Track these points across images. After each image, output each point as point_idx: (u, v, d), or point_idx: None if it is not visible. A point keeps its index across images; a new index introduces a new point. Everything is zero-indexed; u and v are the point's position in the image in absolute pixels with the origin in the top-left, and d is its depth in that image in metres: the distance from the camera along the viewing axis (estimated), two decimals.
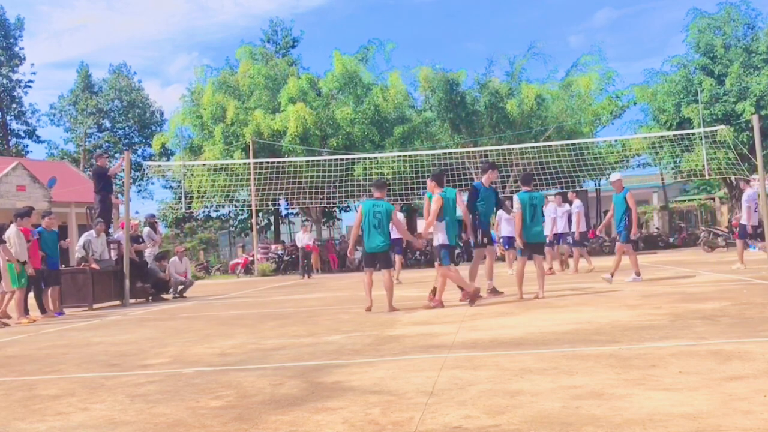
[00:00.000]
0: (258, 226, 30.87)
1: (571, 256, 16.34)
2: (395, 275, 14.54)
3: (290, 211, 39.51)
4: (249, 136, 28.10)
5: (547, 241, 14.39)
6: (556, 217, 15.69)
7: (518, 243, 9.73)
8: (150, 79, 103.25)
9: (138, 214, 23.43)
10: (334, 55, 30.29)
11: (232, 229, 42.21)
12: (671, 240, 30.32)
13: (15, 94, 50.28)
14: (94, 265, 13.01)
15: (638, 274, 11.63)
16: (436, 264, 9.42)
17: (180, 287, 15.56)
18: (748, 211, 13.88)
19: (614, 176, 12.17)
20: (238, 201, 30.85)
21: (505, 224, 15.01)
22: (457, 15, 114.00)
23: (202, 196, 28.98)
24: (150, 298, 14.68)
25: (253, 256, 27.41)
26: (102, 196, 14.74)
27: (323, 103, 29.91)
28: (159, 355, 6.31)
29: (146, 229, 16.20)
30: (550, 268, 14.81)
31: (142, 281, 14.51)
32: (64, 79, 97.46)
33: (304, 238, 23.09)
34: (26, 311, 11.15)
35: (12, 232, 10.87)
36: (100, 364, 5.98)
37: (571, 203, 16.34)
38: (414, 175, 26.16)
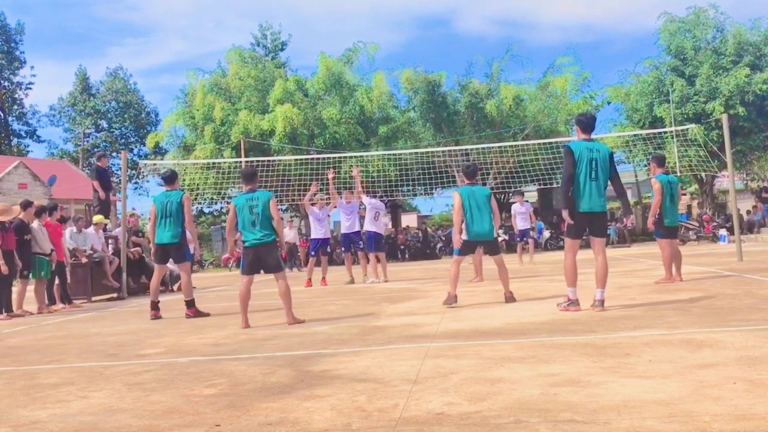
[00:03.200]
0: None
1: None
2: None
3: (280, 207, 39.67)
4: (237, 135, 28.33)
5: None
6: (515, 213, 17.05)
7: (456, 241, 8.47)
8: None
9: (135, 210, 23.59)
10: (320, 58, 30.57)
11: (224, 224, 42.34)
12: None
13: (16, 96, 51.00)
14: (84, 259, 13.21)
15: (669, 279, 9.67)
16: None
17: (178, 282, 15.75)
18: None
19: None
20: (229, 198, 31.03)
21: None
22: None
23: (195, 191, 29.10)
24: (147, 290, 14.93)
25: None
26: (100, 193, 15.01)
27: (310, 104, 30.30)
28: (155, 346, 6.43)
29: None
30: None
31: (146, 276, 14.76)
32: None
33: (289, 234, 23.55)
34: (51, 302, 11.97)
35: (34, 225, 11.46)
36: (99, 354, 6.08)
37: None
38: (398, 173, 26.52)
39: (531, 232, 17.59)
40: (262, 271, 7.78)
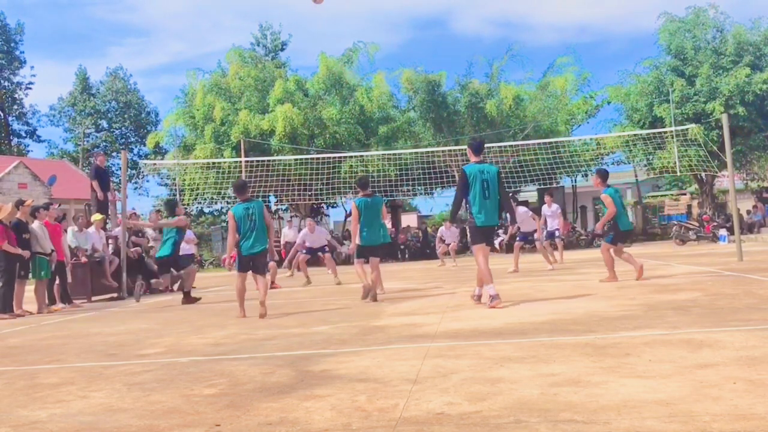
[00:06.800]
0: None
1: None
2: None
3: (280, 206, 39.69)
4: (237, 135, 28.30)
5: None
6: (546, 215, 16.25)
7: (352, 247, 10.26)
8: None
9: (134, 210, 23.62)
10: (320, 58, 30.54)
11: (224, 224, 42.30)
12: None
13: (16, 95, 51.17)
14: (83, 259, 13.20)
15: (613, 278, 10.41)
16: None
17: (179, 281, 15.71)
18: None
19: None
20: (229, 198, 31.03)
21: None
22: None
23: (195, 191, 29.09)
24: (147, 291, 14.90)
25: None
26: (99, 193, 15.00)
27: (310, 104, 30.24)
28: (155, 345, 6.45)
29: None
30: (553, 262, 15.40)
31: (145, 276, 14.70)
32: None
33: (289, 234, 23.29)
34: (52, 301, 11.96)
35: (35, 225, 11.38)
36: (99, 354, 6.09)
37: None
38: (398, 173, 26.55)
39: (557, 232, 16.39)
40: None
